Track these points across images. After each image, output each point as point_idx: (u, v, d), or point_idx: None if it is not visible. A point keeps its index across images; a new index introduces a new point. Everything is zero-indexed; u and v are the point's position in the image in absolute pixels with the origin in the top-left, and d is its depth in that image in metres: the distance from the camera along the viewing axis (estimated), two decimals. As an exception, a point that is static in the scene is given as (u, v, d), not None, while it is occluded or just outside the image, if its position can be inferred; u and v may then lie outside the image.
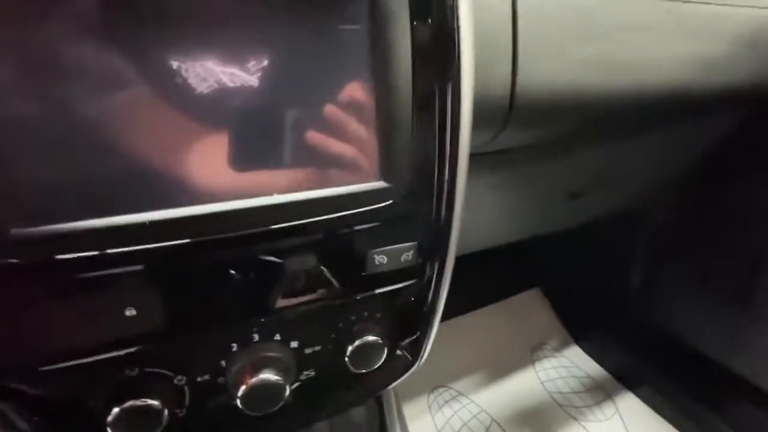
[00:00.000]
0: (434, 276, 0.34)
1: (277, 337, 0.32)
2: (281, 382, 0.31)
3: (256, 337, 0.32)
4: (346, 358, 0.34)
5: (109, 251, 0.22)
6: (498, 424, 0.92)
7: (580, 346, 1.13)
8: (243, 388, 0.30)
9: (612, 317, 1.10)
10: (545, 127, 0.38)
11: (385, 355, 0.35)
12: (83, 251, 0.22)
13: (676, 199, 0.92)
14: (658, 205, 0.94)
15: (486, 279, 1.19)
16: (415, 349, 0.38)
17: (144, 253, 0.23)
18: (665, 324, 0.97)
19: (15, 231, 0.20)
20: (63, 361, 0.25)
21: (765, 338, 0.80)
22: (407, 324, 0.37)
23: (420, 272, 0.33)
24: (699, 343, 0.91)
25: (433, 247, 0.32)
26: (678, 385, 0.94)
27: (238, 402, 0.30)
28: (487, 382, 1.04)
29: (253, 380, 0.30)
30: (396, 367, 0.38)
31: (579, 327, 1.17)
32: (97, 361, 0.26)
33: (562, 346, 1.14)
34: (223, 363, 0.31)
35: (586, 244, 1.16)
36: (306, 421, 0.37)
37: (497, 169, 0.47)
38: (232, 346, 0.31)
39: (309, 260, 0.29)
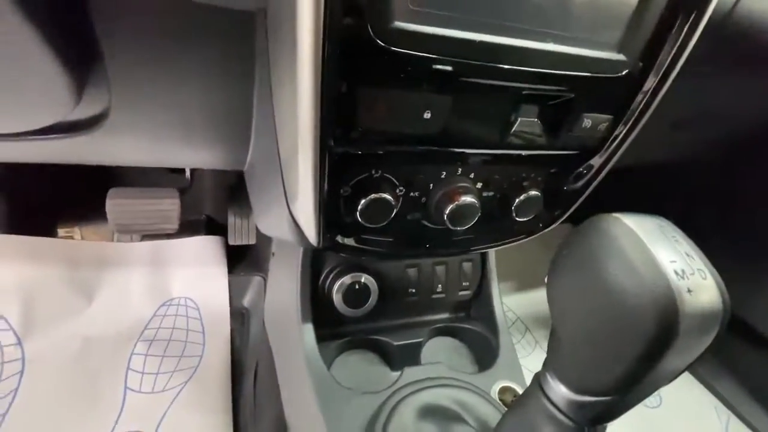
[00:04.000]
0: (608, 153, 0.40)
1: (471, 175, 0.39)
2: (477, 205, 0.38)
3: (459, 170, 0.39)
4: (512, 207, 0.41)
5: (445, 57, 0.28)
6: (522, 321, 1.07)
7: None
8: (452, 205, 0.38)
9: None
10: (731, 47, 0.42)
11: (539, 210, 0.43)
12: (432, 53, 0.28)
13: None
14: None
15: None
16: (561, 212, 0.45)
17: (461, 65, 0.29)
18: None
19: (397, 23, 0.26)
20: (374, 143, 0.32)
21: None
22: (566, 190, 0.44)
23: (601, 146, 0.40)
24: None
25: (623, 124, 0.38)
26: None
27: (446, 214, 0.38)
28: (515, 290, 1.17)
29: (461, 199, 0.37)
30: (541, 223, 0.46)
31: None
32: (378, 153, 0.33)
33: (585, 273, 1.26)
34: (431, 185, 0.39)
35: (618, 188, 1.22)
36: (468, 246, 0.45)
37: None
38: (442, 174, 0.38)
39: (535, 110, 0.35)
